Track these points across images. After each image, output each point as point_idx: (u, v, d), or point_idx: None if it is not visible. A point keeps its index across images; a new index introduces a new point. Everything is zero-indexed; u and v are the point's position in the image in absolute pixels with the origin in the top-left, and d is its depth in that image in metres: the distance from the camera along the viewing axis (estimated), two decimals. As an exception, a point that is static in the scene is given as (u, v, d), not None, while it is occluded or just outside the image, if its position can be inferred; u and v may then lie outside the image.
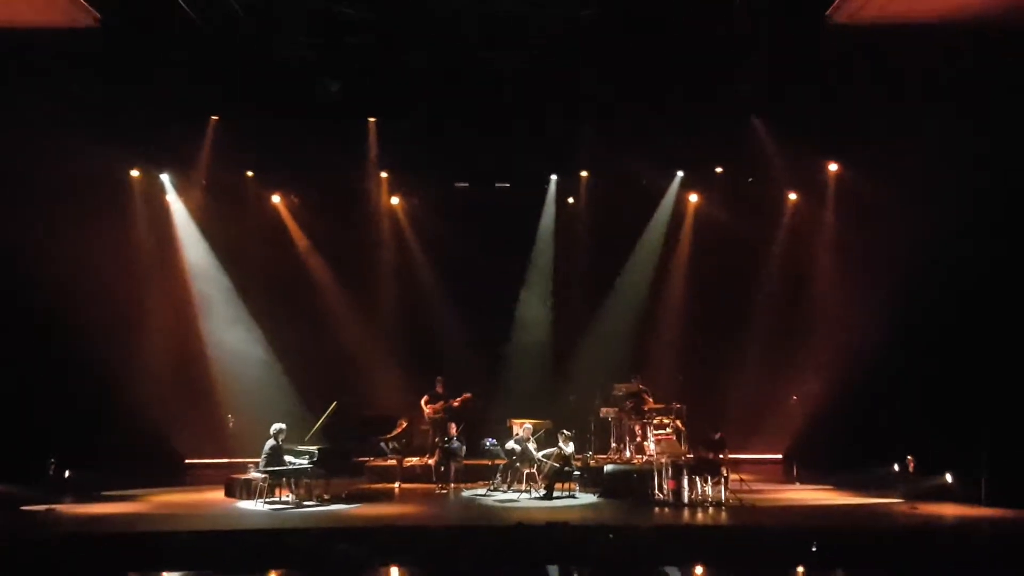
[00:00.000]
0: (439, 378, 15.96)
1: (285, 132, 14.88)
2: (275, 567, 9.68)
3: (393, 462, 14.83)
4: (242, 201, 17.19)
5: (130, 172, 16.17)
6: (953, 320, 13.75)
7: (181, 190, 16.82)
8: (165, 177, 16.67)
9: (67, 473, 14.08)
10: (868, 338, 14.77)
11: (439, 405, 15.65)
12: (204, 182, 16.78)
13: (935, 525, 11.65)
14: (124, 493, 13.83)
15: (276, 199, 17.50)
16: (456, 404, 15.58)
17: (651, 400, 15.33)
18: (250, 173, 16.96)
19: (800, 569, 9.37)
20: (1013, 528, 11.38)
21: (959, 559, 9.67)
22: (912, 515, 12.09)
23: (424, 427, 15.76)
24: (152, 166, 16.38)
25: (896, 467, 14.12)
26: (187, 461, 16.39)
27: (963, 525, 11.57)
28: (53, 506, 12.50)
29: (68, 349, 14.57)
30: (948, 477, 13.13)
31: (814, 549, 9.90)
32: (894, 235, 14.46)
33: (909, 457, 13.94)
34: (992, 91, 12.55)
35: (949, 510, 12.35)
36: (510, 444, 14.09)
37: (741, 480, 13.89)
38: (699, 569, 9.58)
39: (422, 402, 15.77)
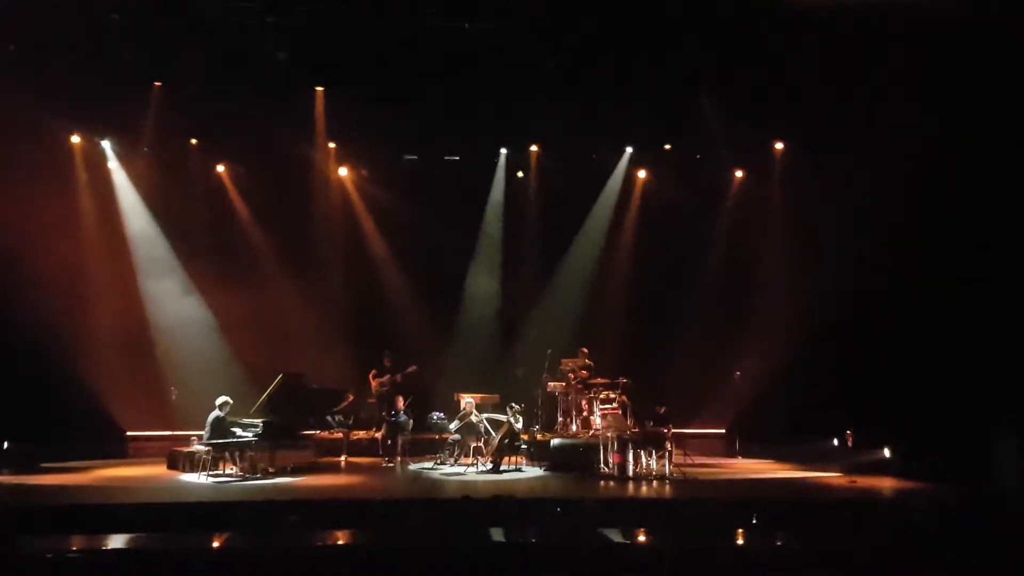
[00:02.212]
0: (386, 352, 15.92)
1: (231, 100, 14.60)
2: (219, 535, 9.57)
3: (340, 435, 14.79)
4: (186, 170, 16.82)
5: (70, 138, 15.81)
6: (893, 298, 14.06)
7: (123, 158, 16.47)
8: (106, 144, 16.32)
9: (5, 445, 13.81)
10: (810, 314, 15.01)
11: (385, 379, 15.63)
12: (147, 150, 16.43)
13: (872, 498, 11.94)
14: (64, 465, 13.64)
15: (221, 168, 17.21)
16: (400, 379, 15.56)
17: (585, 373, 15.40)
18: (194, 141, 16.63)
19: (740, 541, 9.53)
20: (948, 500, 11.70)
21: (895, 530, 9.93)
22: (850, 488, 12.39)
23: (371, 400, 15.75)
24: (93, 132, 16.02)
25: (836, 441, 14.43)
26: (128, 433, 16.13)
27: (899, 498, 11.87)
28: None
29: (6, 319, 14.25)
30: (886, 451, 13.47)
31: (754, 520, 10.09)
32: (837, 214, 14.73)
33: (848, 432, 14.24)
34: (939, 70, 12.77)
35: (886, 483, 12.68)
36: (457, 418, 14.13)
37: (685, 454, 14.10)
38: (641, 537, 9.69)
39: (370, 376, 15.74)
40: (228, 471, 12.97)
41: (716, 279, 17.09)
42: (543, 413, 15.92)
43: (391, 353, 15.92)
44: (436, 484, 12.75)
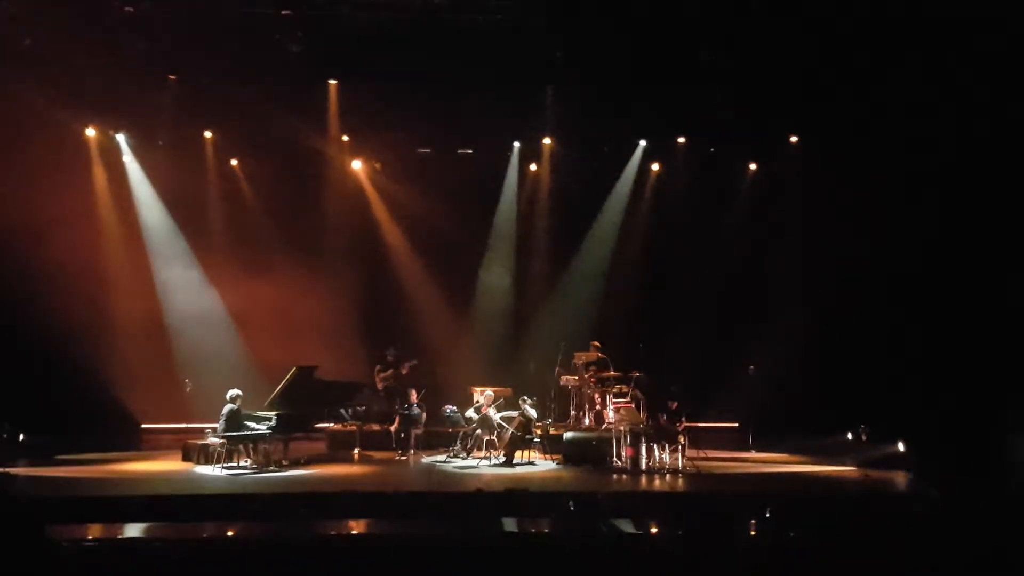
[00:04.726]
0: (390, 348, 15.94)
1: (245, 93, 14.64)
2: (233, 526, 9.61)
3: (353, 428, 14.82)
4: (200, 163, 16.89)
5: (86, 131, 15.88)
6: (909, 290, 14.00)
7: (138, 151, 16.54)
8: (121, 137, 16.39)
9: (21, 437, 13.89)
10: (825, 308, 14.95)
11: (388, 373, 15.66)
12: (161, 143, 16.49)
13: (886, 491, 11.89)
14: (79, 457, 13.67)
15: (234, 162, 17.25)
16: (404, 372, 15.58)
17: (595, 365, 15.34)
18: (208, 135, 16.68)
19: (753, 534, 9.50)
20: (961, 496, 11.62)
21: (907, 524, 9.87)
22: (864, 482, 12.33)
23: (381, 394, 15.76)
24: (108, 125, 16.09)
25: (850, 436, 14.38)
26: (143, 426, 16.22)
27: (912, 492, 11.82)
28: (7, 470, 12.32)
29: (21, 312, 14.33)
30: (900, 446, 13.40)
31: (768, 515, 10.05)
32: (852, 207, 14.65)
33: (862, 426, 14.19)
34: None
35: (900, 478, 12.62)
36: (470, 411, 14.14)
37: (698, 448, 14.05)
38: (653, 529, 9.67)
39: (375, 372, 15.77)
40: (242, 463, 13.02)
41: (730, 272, 17.01)
42: (556, 406, 15.92)
43: (393, 349, 15.95)
44: (449, 477, 12.77)
